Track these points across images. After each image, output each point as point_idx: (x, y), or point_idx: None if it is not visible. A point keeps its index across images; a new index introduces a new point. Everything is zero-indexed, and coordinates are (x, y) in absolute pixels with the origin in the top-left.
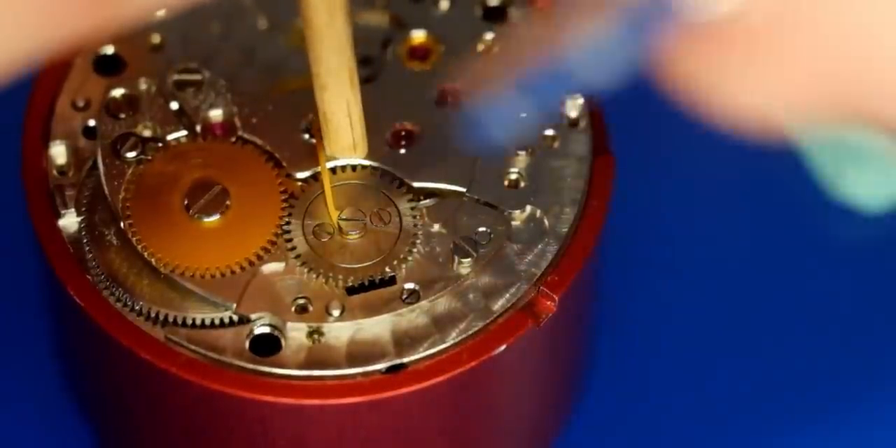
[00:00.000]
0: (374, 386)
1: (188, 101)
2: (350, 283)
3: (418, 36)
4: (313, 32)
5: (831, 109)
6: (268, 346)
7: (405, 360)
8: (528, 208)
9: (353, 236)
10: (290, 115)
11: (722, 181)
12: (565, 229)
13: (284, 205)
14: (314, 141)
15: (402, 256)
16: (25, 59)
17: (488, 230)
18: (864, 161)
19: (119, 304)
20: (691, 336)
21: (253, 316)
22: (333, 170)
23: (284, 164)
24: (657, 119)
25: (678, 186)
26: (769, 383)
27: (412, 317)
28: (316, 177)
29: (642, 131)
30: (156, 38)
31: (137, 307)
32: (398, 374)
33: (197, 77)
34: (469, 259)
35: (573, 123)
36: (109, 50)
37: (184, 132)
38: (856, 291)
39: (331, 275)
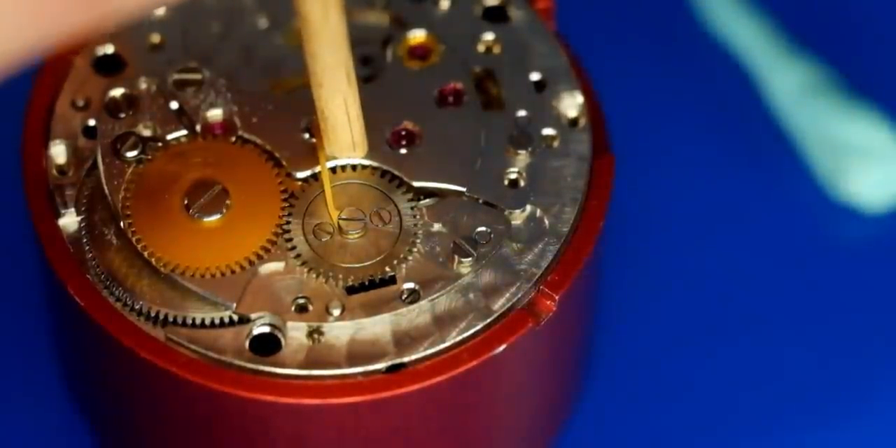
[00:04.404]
0: (375, 385)
1: (188, 100)
2: (350, 283)
3: (418, 36)
4: (309, 29)
5: None
6: (268, 345)
7: (405, 359)
8: (528, 208)
9: (353, 236)
10: (290, 115)
11: (722, 181)
12: (565, 229)
13: (284, 204)
14: (314, 140)
15: (402, 256)
16: (23, 56)
17: (488, 230)
18: (864, 160)
19: (119, 304)
20: (691, 336)
21: (253, 315)
22: (333, 169)
23: (284, 163)
24: (657, 119)
25: (678, 186)
26: (768, 384)
27: (412, 316)
28: (316, 176)
29: (642, 131)
30: (156, 38)
31: (137, 307)
32: (398, 374)
33: (197, 76)
34: (469, 258)
35: (573, 123)
36: (109, 50)
37: (184, 132)
38: (856, 291)
39: (331, 274)
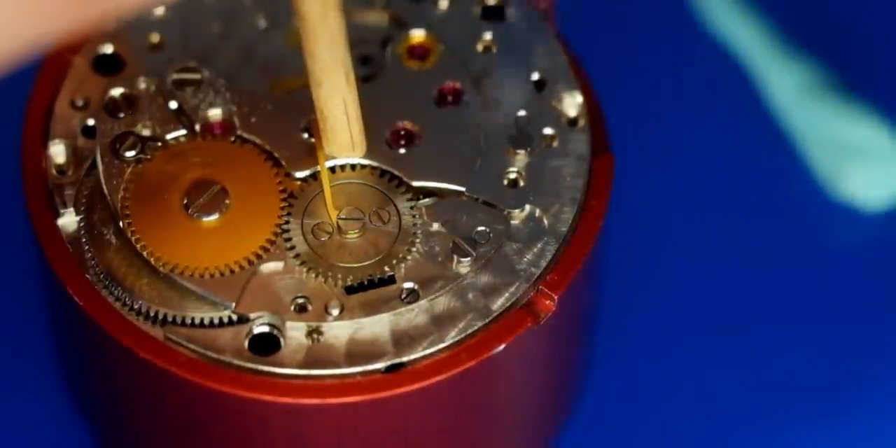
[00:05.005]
0: (374, 385)
1: (187, 100)
2: (349, 283)
3: (418, 35)
4: (307, 28)
5: None
6: (267, 345)
7: (404, 359)
8: (528, 207)
9: (353, 235)
10: (289, 115)
11: (722, 181)
12: (564, 229)
13: (283, 204)
14: (313, 140)
15: (401, 256)
16: (22, 53)
17: (487, 229)
18: (863, 160)
19: (118, 304)
20: (691, 336)
21: (252, 315)
22: (333, 169)
23: (284, 163)
24: (657, 119)
25: (678, 186)
26: (768, 383)
27: (411, 316)
28: (315, 176)
29: (642, 131)
30: (155, 38)
31: (137, 306)
32: (397, 374)
33: (196, 76)
34: (468, 258)
35: (572, 122)
36: (109, 49)
37: (183, 131)
38: (856, 291)
39: (330, 274)
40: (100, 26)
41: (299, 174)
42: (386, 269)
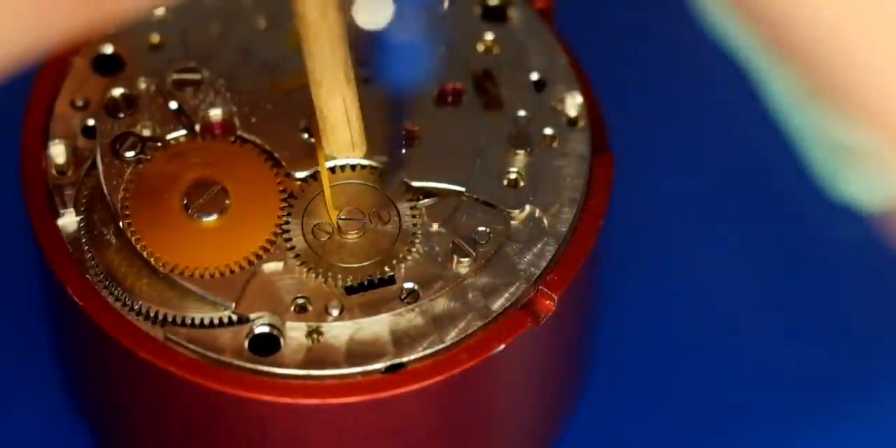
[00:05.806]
0: (373, 385)
1: (187, 100)
2: (349, 283)
3: None
4: (306, 27)
5: None
6: (267, 345)
7: (404, 359)
8: (528, 208)
9: (353, 236)
10: (289, 115)
11: (722, 181)
12: (564, 229)
13: (283, 204)
14: (313, 140)
15: (401, 256)
16: (23, 55)
17: (487, 230)
18: (863, 161)
19: (118, 304)
20: (691, 336)
21: (252, 315)
22: (333, 169)
23: (284, 163)
24: (657, 119)
25: (678, 186)
26: (768, 383)
27: (411, 316)
28: (315, 176)
29: (642, 131)
30: (155, 38)
31: (136, 307)
32: (397, 374)
33: (196, 76)
34: (468, 258)
35: (572, 122)
36: (109, 49)
37: (183, 131)
38: (855, 291)
39: (330, 274)
40: (101, 28)
41: (299, 174)
42: (386, 269)
